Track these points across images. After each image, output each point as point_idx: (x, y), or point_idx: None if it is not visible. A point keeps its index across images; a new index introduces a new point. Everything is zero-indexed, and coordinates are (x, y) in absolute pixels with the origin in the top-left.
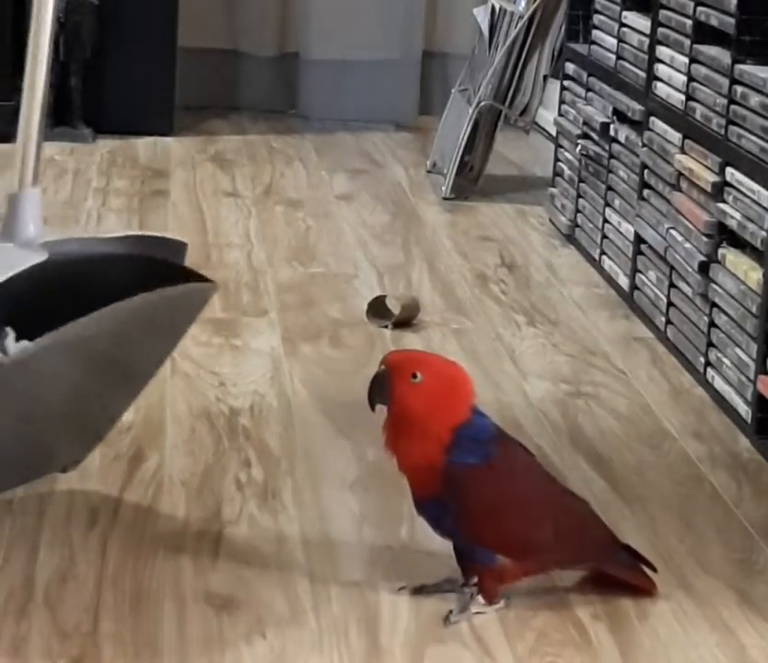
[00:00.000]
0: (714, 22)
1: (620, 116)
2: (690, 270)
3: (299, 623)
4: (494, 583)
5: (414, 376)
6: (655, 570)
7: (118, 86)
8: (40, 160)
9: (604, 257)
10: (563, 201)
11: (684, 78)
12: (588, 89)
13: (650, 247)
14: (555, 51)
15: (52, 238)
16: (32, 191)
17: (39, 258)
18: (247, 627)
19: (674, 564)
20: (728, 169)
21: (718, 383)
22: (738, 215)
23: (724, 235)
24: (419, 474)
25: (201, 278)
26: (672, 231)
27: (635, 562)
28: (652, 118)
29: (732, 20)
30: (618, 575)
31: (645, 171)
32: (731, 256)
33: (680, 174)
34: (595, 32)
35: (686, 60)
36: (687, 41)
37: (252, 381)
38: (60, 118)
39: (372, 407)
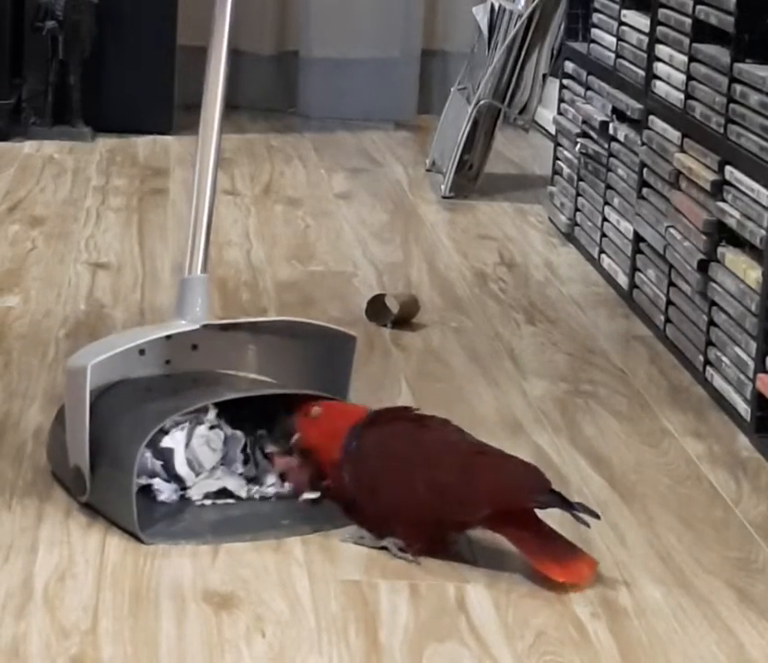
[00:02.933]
0: (713, 21)
1: (619, 115)
2: (689, 268)
3: (298, 622)
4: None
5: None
6: (597, 517)
7: (117, 84)
8: (209, 247)
9: (603, 255)
10: (562, 199)
11: (683, 77)
12: (588, 88)
13: (649, 245)
14: (555, 49)
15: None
16: (201, 277)
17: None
18: (246, 626)
19: (673, 563)
20: (728, 168)
21: (717, 382)
22: (737, 214)
23: (723, 233)
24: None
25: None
26: (671, 230)
27: (566, 507)
28: (651, 116)
29: (731, 19)
30: (520, 547)
31: (645, 170)
32: (730, 255)
33: (680, 173)
34: (594, 31)
35: (685, 58)
36: (686, 40)
37: None
38: (59, 116)
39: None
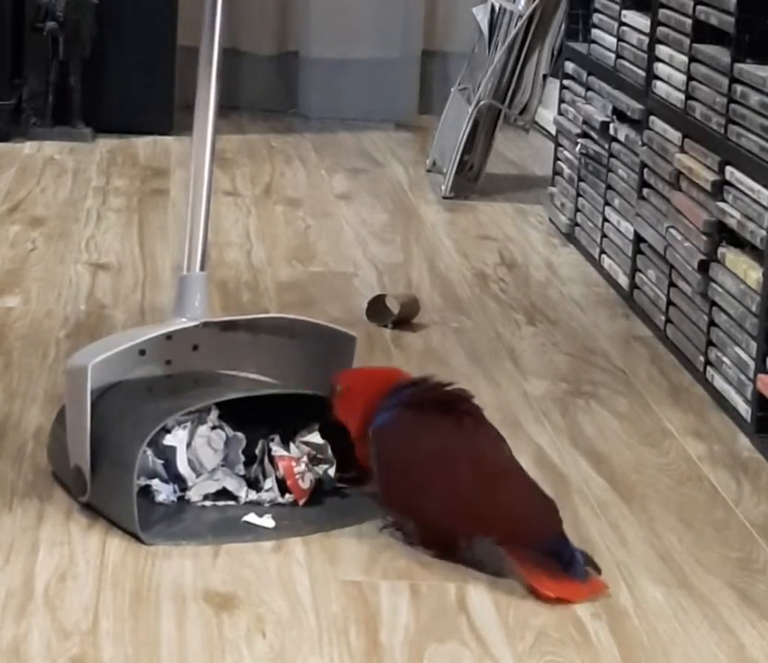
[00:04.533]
0: (713, 21)
1: (619, 115)
2: (689, 269)
3: (299, 623)
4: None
5: (337, 389)
6: (599, 571)
7: (117, 85)
8: (207, 245)
9: (604, 256)
10: (562, 200)
11: (684, 77)
12: (588, 88)
13: (650, 246)
14: (555, 49)
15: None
16: (199, 275)
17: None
18: (247, 627)
19: (674, 563)
20: (728, 168)
21: (718, 382)
22: (737, 214)
23: (723, 234)
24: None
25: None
26: (672, 230)
27: (569, 555)
28: (652, 117)
29: (732, 19)
30: (526, 575)
31: (645, 170)
32: (731, 255)
33: (680, 173)
34: (594, 31)
35: (686, 59)
36: (687, 40)
37: None
38: (59, 117)
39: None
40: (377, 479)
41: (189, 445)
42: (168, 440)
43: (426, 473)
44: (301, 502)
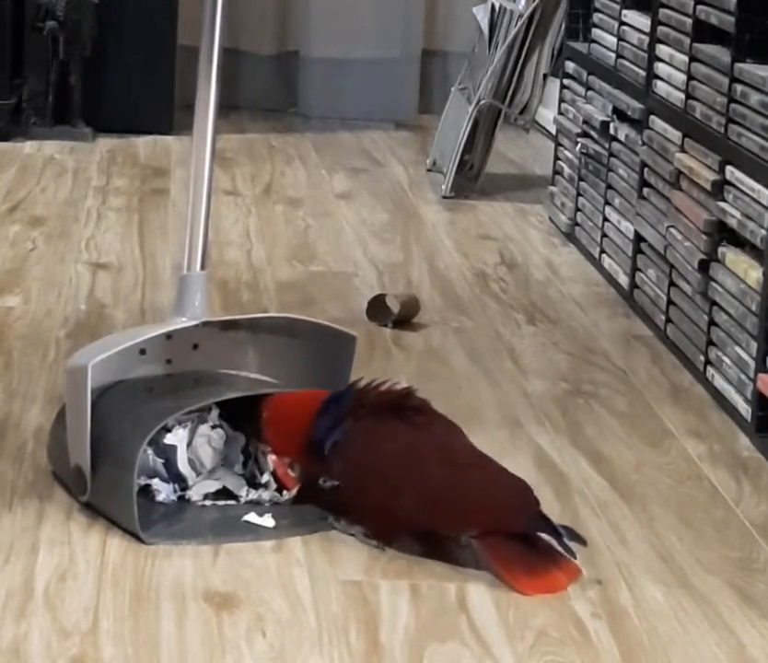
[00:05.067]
0: (714, 20)
1: (620, 114)
2: (690, 268)
3: (299, 622)
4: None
5: (261, 414)
6: (584, 543)
7: (118, 84)
8: (207, 244)
9: (604, 255)
10: (563, 199)
11: (684, 77)
12: (588, 88)
13: (650, 245)
14: (555, 49)
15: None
16: (200, 274)
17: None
18: (247, 626)
19: (674, 563)
20: (728, 168)
21: (718, 381)
22: (737, 214)
23: (724, 233)
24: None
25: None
26: (672, 230)
27: (552, 532)
28: (652, 116)
29: (732, 19)
30: (493, 559)
31: (645, 170)
32: (731, 254)
33: (680, 172)
34: (595, 31)
35: (686, 58)
36: (687, 40)
37: None
38: (60, 117)
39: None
40: (345, 494)
41: (189, 444)
42: (169, 439)
43: (398, 478)
44: (293, 491)
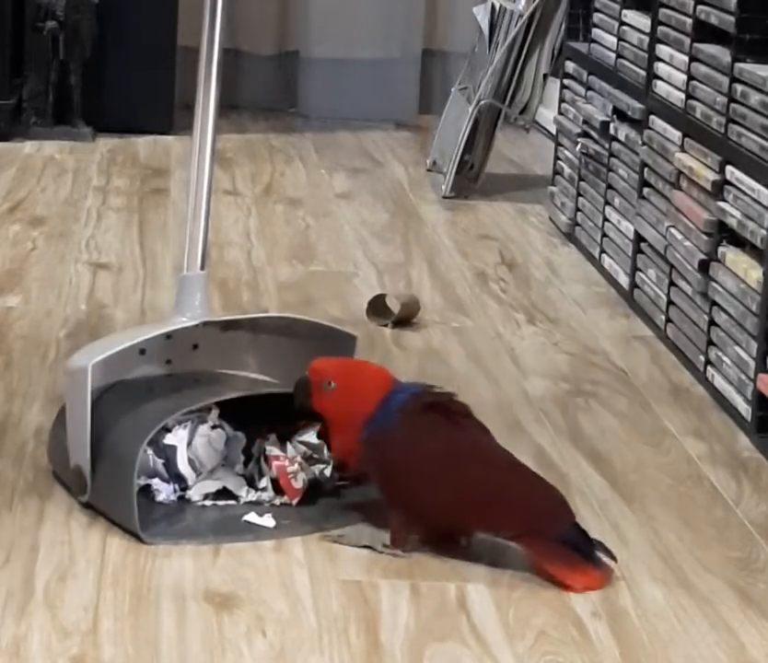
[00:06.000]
0: (714, 20)
1: (620, 114)
2: (690, 268)
3: (299, 622)
4: (400, 531)
5: (329, 384)
6: (615, 559)
7: (118, 84)
8: (208, 244)
9: (604, 255)
10: (563, 199)
11: (684, 77)
12: (588, 88)
13: (650, 245)
14: (555, 49)
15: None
16: (200, 274)
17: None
18: (247, 626)
19: (674, 563)
20: (728, 168)
21: (718, 381)
22: (738, 214)
23: (724, 233)
24: (346, 458)
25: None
26: (672, 229)
27: (585, 544)
28: (652, 116)
29: (732, 19)
30: (546, 565)
31: (646, 170)
32: (731, 254)
33: (680, 172)
34: (595, 31)
35: (686, 58)
36: (687, 40)
37: None
38: (60, 117)
39: (297, 408)
40: (381, 484)
41: (189, 444)
42: (169, 439)
43: (437, 474)
44: (294, 501)
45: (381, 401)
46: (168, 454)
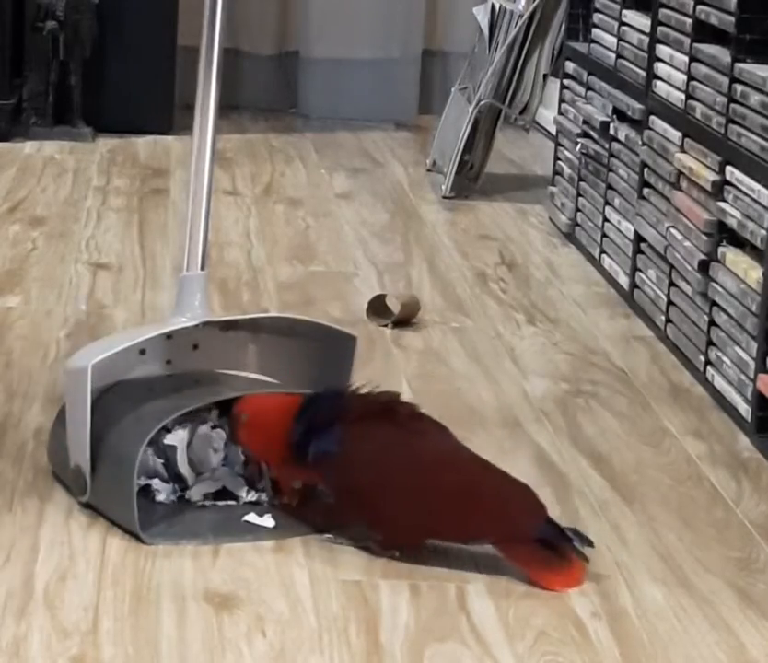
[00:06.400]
0: (714, 21)
1: (620, 115)
2: (690, 268)
3: (299, 622)
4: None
5: (243, 416)
6: (591, 545)
7: (118, 84)
8: (208, 244)
9: (604, 255)
10: (563, 199)
11: (684, 77)
12: (588, 88)
13: (650, 245)
14: (555, 49)
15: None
16: (200, 274)
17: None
18: (247, 626)
19: (674, 563)
20: (728, 168)
21: (718, 382)
22: (738, 214)
23: (724, 233)
24: (279, 480)
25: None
26: (672, 230)
27: (560, 538)
28: (652, 117)
29: (732, 19)
30: (523, 566)
31: (645, 170)
32: (731, 255)
33: (680, 173)
34: (595, 31)
35: (686, 58)
36: (687, 40)
37: None
38: (60, 117)
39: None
40: (341, 504)
41: (189, 444)
42: (169, 439)
43: (407, 487)
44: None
45: (295, 416)
46: (167, 454)
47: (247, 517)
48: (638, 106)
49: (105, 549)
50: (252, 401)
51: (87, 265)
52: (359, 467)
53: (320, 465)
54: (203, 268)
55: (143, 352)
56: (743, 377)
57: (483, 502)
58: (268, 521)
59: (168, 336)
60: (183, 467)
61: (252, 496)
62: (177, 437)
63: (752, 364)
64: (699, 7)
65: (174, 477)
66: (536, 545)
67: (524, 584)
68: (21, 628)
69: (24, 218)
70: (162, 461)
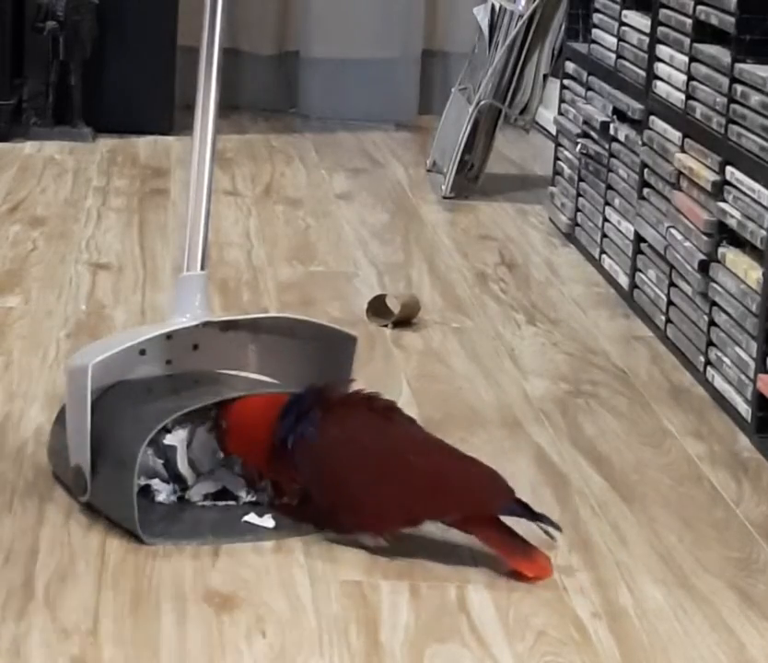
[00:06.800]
0: (714, 21)
1: (620, 115)
2: (690, 269)
3: (299, 623)
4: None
5: (224, 422)
6: (559, 529)
7: (118, 84)
8: (208, 244)
9: (604, 256)
10: (563, 200)
11: (684, 77)
12: (588, 88)
13: (650, 246)
14: (555, 49)
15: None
16: (200, 274)
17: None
18: (247, 627)
19: (674, 563)
20: (728, 168)
21: (718, 382)
22: (738, 214)
23: (724, 234)
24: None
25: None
26: (672, 230)
27: (530, 517)
28: (652, 117)
29: (732, 19)
30: (494, 548)
31: (645, 170)
32: (731, 255)
33: (680, 173)
34: (595, 31)
35: (686, 59)
36: (687, 40)
37: None
38: (60, 117)
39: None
40: (314, 490)
41: (189, 444)
42: (169, 440)
43: (374, 470)
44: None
45: (279, 416)
46: (167, 454)
47: (247, 518)
48: (638, 106)
49: (105, 549)
50: (232, 408)
51: (87, 265)
52: (333, 448)
53: (298, 450)
54: (203, 268)
55: (143, 352)
56: (743, 377)
57: (451, 480)
58: (268, 521)
59: (169, 336)
60: (183, 467)
61: (252, 496)
62: (177, 437)
63: (752, 364)
64: (699, 7)
65: (174, 477)
66: (506, 531)
67: (524, 584)
68: (21, 628)
69: (24, 218)
70: (162, 461)
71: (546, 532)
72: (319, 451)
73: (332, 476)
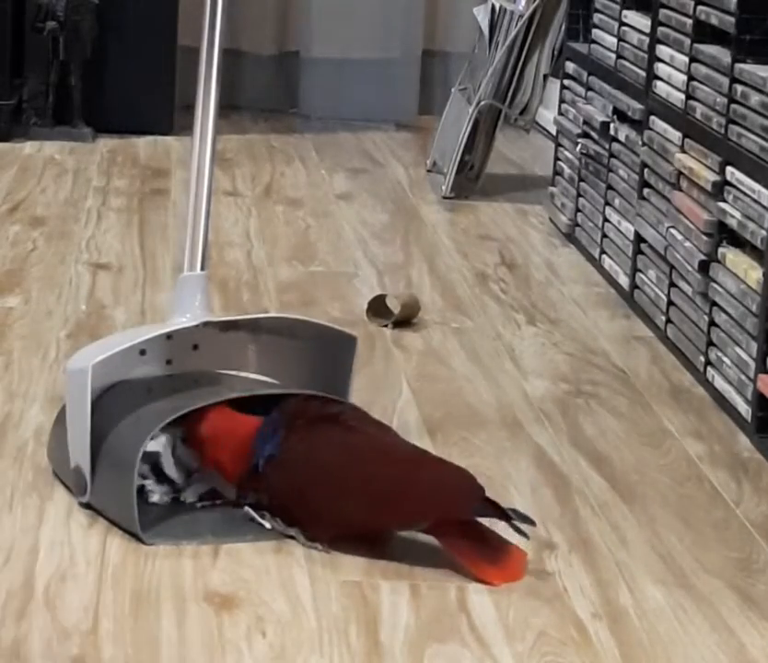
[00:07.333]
0: (714, 21)
1: (620, 115)
2: (690, 269)
3: (299, 623)
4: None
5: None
6: (532, 524)
7: (118, 85)
8: (208, 244)
9: (604, 256)
10: (563, 200)
11: (684, 77)
12: (589, 88)
13: (650, 246)
14: (555, 50)
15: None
16: (200, 274)
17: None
18: (247, 627)
19: (674, 563)
20: (728, 168)
21: (718, 382)
22: (738, 214)
23: (724, 234)
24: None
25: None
26: (672, 230)
27: (500, 516)
28: (652, 117)
29: (732, 19)
30: (458, 556)
31: (646, 170)
32: (731, 255)
33: (681, 173)
34: (595, 31)
35: (686, 59)
36: (687, 40)
37: None
38: (60, 117)
39: None
40: (285, 506)
41: (175, 448)
42: (151, 446)
43: (340, 481)
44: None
45: (251, 441)
46: (152, 459)
47: (247, 518)
48: (638, 106)
49: (105, 549)
50: (207, 424)
51: (87, 265)
52: (293, 464)
53: (267, 472)
54: (203, 268)
55: (143, 352)
56: (743, 377)
57: (419, 486)
58: (268, 522)
59: (169, 336)
60: (171, 470)
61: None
62: (159, 443)
63: (752, 364)
64: (699, 8)
65: (163, 480)
66: (475, 538)
67: (524, 584)
68: (21, 629)
69: (24, 218)
70: (148, 466)
71: (518, 530)
72: (282, 469)
73: (294, 493)
